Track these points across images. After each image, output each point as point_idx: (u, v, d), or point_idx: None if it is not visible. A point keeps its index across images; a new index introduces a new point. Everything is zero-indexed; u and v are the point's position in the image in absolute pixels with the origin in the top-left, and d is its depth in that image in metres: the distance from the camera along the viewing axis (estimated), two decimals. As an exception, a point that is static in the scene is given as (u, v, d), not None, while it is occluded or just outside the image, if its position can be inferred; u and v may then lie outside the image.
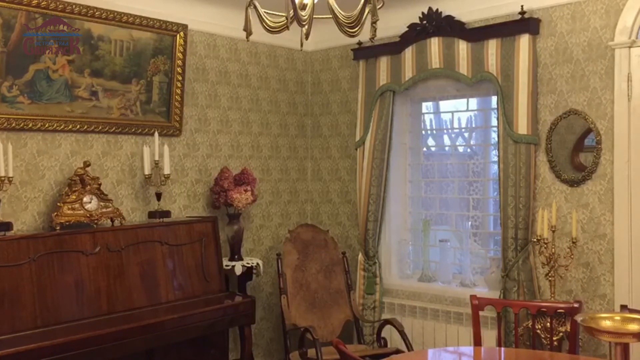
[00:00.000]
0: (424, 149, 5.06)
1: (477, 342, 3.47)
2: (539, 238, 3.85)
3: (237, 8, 4.27)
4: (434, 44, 4.52)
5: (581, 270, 3.98)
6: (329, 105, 5.42)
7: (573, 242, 3.77)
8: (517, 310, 3.51)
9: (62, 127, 3.98)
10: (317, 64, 5.51)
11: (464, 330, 4.39)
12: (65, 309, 3.59)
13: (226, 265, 4.56)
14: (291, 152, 5.44)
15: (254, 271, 4.74)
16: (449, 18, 4.43)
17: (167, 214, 4.37)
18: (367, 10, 3.02)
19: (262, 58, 5.19)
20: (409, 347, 4.24)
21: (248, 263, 4.67)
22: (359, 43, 4.85)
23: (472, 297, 3.56)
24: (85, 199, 3.91)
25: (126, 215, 4.24)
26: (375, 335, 4.61)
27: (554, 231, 3.82)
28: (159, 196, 4.32)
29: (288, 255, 4.73)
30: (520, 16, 4.09)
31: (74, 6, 3.87)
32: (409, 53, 4.67)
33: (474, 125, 4.83)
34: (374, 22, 3.07)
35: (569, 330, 3.46)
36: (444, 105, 4.92)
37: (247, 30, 3.15)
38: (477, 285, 4.59)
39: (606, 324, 2.59)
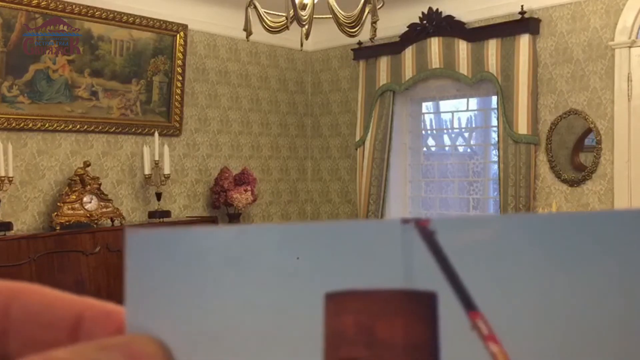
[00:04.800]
0: (424, 149, 5.06)
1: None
2: (539, 238, 3.84)
3: (237, 8, 4.28)
4: (434, 44, 4.52)
5: (581, 270, 3.98)
6: (329, 105, 5.43)
7: (573, 242, 3.76)
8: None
9: (62, 127, 3.98)
10: (317, 64, 5.51)
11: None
12: (65, 309, 3.59)
13: (226, 265, 4.55)
14: (291, 152, 5.45)
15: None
16: (449, 18, 4.44)
17: (167, 214, 4.37)
18: (367, 10, 3.02)
19: (262, 58, 5.20)
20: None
21: (248, 263, 4.67)
22: (359, 43, 4.85)
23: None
24: (85, 199, 3.91)
25: (126, 215, 4.24)
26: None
27: (554, 231, 3.81)
28: (159, 196, 4.32)
29: (288, 255, 4.72)
30: (520, 16, 4.09)
31: (74, 6, 3.87)
32: (409, 53, 4.67)
33: (474, 125, 4.83)
34: (374, 22, 3.08)
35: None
36: (444, 105, 4.93)
37: (247, 30, 3.16)
38: (477, 285, 4.58)
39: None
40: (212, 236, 0.28)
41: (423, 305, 0.26)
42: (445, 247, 0.25)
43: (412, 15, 4.60)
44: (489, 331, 0.25)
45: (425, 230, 0.26)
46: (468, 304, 0.25)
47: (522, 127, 4.09)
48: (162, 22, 4.34)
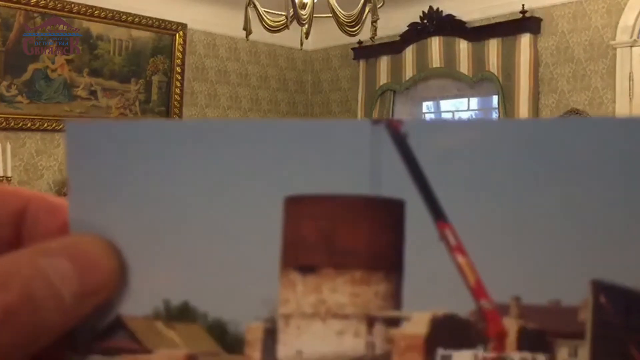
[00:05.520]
0: (425, 148, 5.05)
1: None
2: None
3: (236, 7, 4.26)
4: (435, 43, 4.51)
5: (582, 271, 3.97)
6: (329, 105, 5.42)
7: (574, 242, 3.76)
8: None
9: (60, 126, 3.97)
10: (317, 63, 5.50)
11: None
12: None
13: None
14: (291, 151, 5.44)
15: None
16: (450, 17, 4.43)
17: (166, 214, 4.36)
18: (367, 10, 3.01)
19: (261, 57, 5.19)
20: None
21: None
22: (359, 42, 4.83)
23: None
24: (84, 199, 3.90)
25: (125, 215, 4.24)
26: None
27: (555, 231, 3.81)
28: (158, 196, 4.32)
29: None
30: (521, 15, 4.08)
31: (73, 5, 3.86)
32: (409, 52, 4.66)
33: (474, 125, 4.82)
34: (374, 21, 3.07)
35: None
36: (445, 104, 4.92)
37: (247, 29, 3.15)
38: (478, 285, 4.58)
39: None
40: (166, 129, 0.26)
41: (389, 213, 0.24)
42: (417, 152, 0.24)
43: (413, 14, 4.59)
44: (457, 242, 0.24)
45: (396, 133, 0.24)
46: (437, 214, 0.24)
47: (523, 126, 4.08)
48: (161, 22, 4.33)
